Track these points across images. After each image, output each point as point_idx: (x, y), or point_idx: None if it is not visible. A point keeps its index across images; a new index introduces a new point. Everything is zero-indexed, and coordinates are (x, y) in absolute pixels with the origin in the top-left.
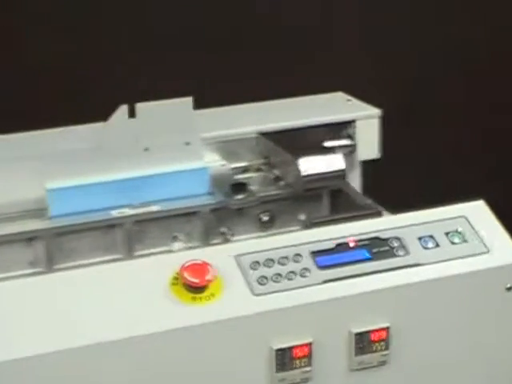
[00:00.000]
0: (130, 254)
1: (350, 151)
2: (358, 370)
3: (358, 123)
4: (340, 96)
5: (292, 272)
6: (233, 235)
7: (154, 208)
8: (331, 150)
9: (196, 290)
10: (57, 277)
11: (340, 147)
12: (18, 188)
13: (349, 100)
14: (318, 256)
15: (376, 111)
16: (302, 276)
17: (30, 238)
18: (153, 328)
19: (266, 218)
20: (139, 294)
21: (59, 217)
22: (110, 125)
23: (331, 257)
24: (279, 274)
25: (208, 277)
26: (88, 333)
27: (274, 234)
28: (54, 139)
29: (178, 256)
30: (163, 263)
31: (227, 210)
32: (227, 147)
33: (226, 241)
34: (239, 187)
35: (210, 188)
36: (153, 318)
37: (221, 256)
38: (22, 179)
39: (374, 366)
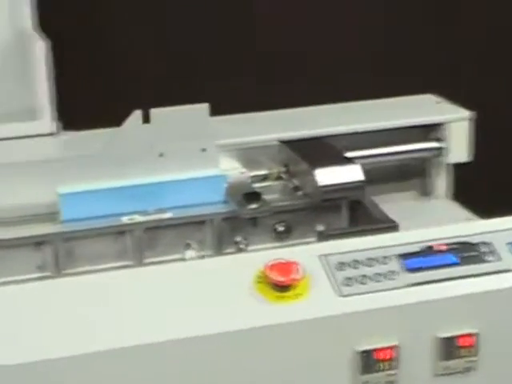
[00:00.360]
0: (140, 261)
1: (437, 154)
2: (442, 375)
3: (448, 125)
4: (429, 98)
5: (379, 274)
6: (247, 245)
7: (166, 215)
8: (350, 160)
9: (282, 288)
10: (139, 272)
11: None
12: (31, 191)
13: (438, 102)
14: (406, 259)
15: (467, 113)
16: (389, 278)
17: (39, 242)
18: (238, 325)
19: (281, 229)
20: (223, 291)
21: (71, 221)
22: (123, 130)
23: (419, 260)
24: (366, 276)
25: (294, 276)
26: (174, 328)
27: (290, 245)
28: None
29: (261, 255)
30: (245, 262)
31: (242, 219)
32: (249, 154)
33: (240, 250)
34: (253, 196)
35: (225, 196)
36: (238, 316)
37: (306, 256)
38: (36, 182)
39: (459, 372)
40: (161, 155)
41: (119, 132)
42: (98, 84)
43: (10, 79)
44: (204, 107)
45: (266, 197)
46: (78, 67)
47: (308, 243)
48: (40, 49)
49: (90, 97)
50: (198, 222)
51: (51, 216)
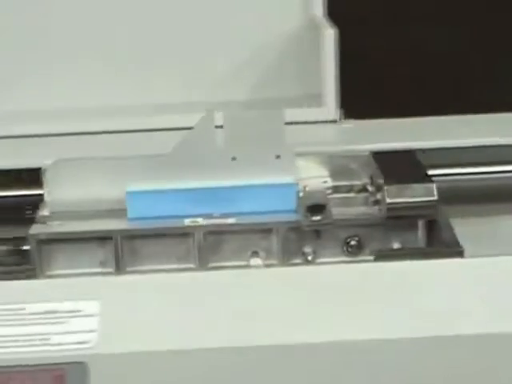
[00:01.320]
0: (202, 264)
1: None
2: None
3: None
4: None
5: None
6: (315, 257)
7: (229, 221)
8: (428, 178)
9: None
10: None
11: None
12: (102, 186)
13: None
14: None
15: None
16: None
17: (103, 238)
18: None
19: (353, 243)
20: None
21: (136, 219)
22: (195, 131)
23: None
24: None
25: None
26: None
27: (360, 262)
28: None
29: None
30: None
31: (311, 230)
32: (340, 163)
33: (307, 262)
34: (317, 208)
35: (296, 205)
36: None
37: None
38: (108, 178)
39: None
40: (233, 159)
41: (191, 133)
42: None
43: (299, 64)
44: (279, 113)
45: (342, 209)
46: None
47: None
48: (329, 37)
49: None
50: (264, 230)
51: (120, 212)
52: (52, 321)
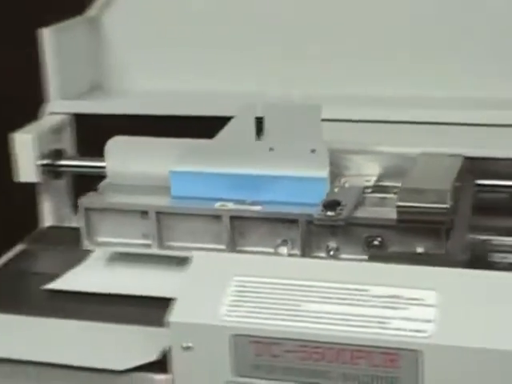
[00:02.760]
0: (232, 246)
1: None
2: None
3: None
4: None
5: None
6: (338, 252)
7: (257, 208)
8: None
9: None
10: None
11: None
12: (152, 164)
13: None
14: None
15: None
16: None
17: (145, 212)
18: None
19: (375, 243)
20: None
21: (178, 198)
22: (237, 121)
23: None
24: None
25: None
26: None
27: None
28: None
29: None
30: None
31: (338, 226)
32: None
33: (329, 256)
34: (332, 204)
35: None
36: None
37: None
38: (157, 157)
39: None
40: (271, 150)
41: (233, 122)
42: None
43: None
44: (317, 107)
45: (373, 209)
46: None
47: None
48: None
49: None
50: (288, 221)
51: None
52: (393, 305)
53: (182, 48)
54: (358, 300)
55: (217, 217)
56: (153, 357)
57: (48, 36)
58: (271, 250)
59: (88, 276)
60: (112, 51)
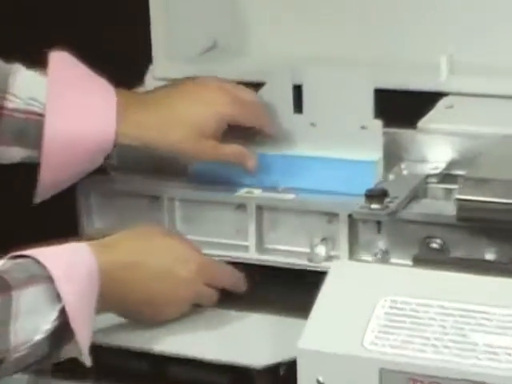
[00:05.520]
0: (260, 244)
1: None
2: None
3: None
4: None
5: None
6: (386, 256)
7: (289, 197)
8: None
9: None
10: None
11: None
12: None
13: None
14: None
15: None
16: None
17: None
18: None
19: (434, 246)
20: None
21: (196, 183)
22: (269, 89)
23: None
24: None
25: None
26: None
27: None
28: None
29: None
30: None
31: (390, 222)
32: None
33: (377, 260)
34: (378, 195)
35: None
36: None
37: None
38: None
39: None
40: (312, 125)
41: (263, 91)
42: None
43: None
44: (369, 76)
45: (435, 202)
46: None
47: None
48: None
49: None
50: (329, 214)
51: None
52: None
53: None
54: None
55: (240, 206)
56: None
57: None
58: (305, 250)
59: None
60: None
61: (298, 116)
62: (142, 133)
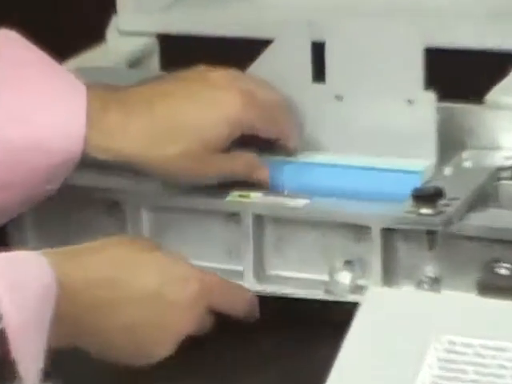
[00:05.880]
0: (259, 270)
1: None
2: None
3: None
4: None
5: None
6: (436, 285)
7: (301, 202)
8: None
9: None
10: None
11: None
12: None
13: None
14: None
15: None
16: None
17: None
18: None
19: (503, 272)
20: None
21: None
22: (278, 47)
23: None
24: None
25: None
26: None
27: None
28: None
29: None
30: None
31: (443, 236)
32: None
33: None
34: (428, 196)
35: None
36: None
37: None
38: None
39: None
40: (338, 98)
41: (271, 50)
42: None
43: None
44: (417, 29)
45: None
46: None
47: None
48: None
49: None
50: (356, 227)
51: None
52: None
53: None
54: None
55: (232, 215)
56: None
57: None
58: (322, 278)
59: None
60: None
61: (318, 86)
62: (121, 144)
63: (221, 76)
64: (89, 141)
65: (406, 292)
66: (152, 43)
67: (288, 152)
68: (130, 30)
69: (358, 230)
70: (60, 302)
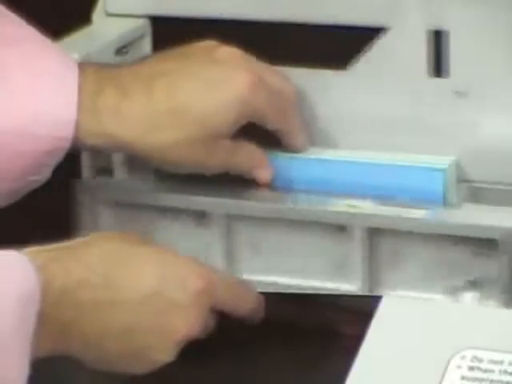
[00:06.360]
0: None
1: None
2: None
3: None
4: None
5: None
6: None
7: (419, 213)
8: None
9: None
10: None
11: None
12: None
13: None
14: None
15: None
16: None
17: None
18: None
19: None
20: None
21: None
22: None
23: None
24: None
25: None
26: None
27: None
28: None
29: None
30: None
31: None
32: None
33: None
34: None
35: None
36: None
37: None
38: None
39: None
40: (458, 93)
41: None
42: None
43: None
44: None
45: None
46: None
47: None
48: None
49: None
50: (481, 241)
51: None
52: None
53: None
54: None
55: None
56: None
57: None
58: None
59: None
60: None
61: (435, 81)
62: (115, 129)
63: (228, 53)
64: (80, 124)
65: (424, 301)
66: (143, 26)
67: (290, 146)
68: (120, 11)
69: (483, 245)
70: (44, 306)
